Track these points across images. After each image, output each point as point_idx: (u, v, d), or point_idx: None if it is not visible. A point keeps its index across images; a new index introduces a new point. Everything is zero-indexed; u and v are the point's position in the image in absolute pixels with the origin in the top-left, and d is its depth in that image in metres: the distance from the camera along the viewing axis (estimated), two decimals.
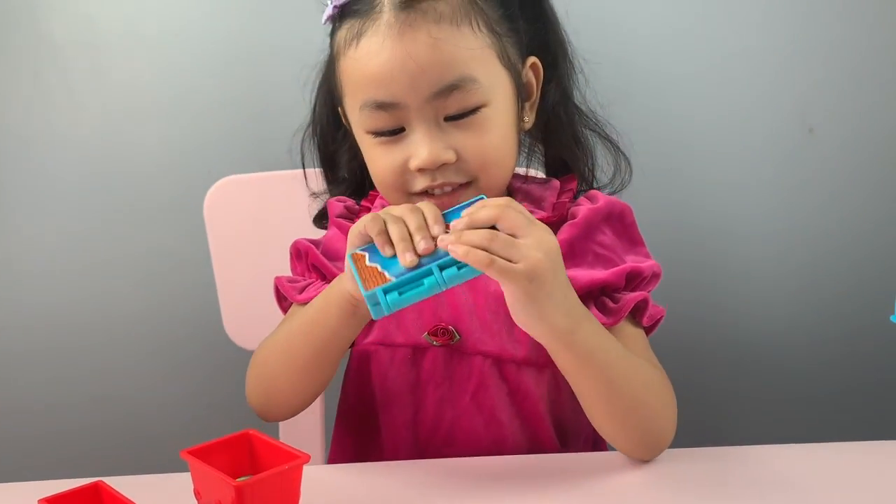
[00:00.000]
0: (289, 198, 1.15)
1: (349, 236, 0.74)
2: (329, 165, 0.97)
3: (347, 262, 0.72)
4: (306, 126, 0.96)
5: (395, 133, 0.81)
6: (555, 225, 0.85)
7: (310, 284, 0.88)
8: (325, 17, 0.85)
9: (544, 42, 0.89)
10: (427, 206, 0.72)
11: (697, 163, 1.18)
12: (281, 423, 1.14)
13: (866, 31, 1.13)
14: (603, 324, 0.79)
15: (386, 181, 0.83)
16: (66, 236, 1.29)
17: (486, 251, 0.66)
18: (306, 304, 0.84)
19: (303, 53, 1.17)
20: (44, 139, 1.27)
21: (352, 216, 0.92)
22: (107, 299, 1.30)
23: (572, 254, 0.83)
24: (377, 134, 0.82)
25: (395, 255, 0.70)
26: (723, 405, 1.22)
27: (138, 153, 1.26)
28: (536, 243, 0.69)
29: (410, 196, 0.83)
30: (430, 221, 0.71)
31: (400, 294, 0.68)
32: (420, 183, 0.81)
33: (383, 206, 0.90)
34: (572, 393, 0.88)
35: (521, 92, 0.86)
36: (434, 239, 0.69)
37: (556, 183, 0.90)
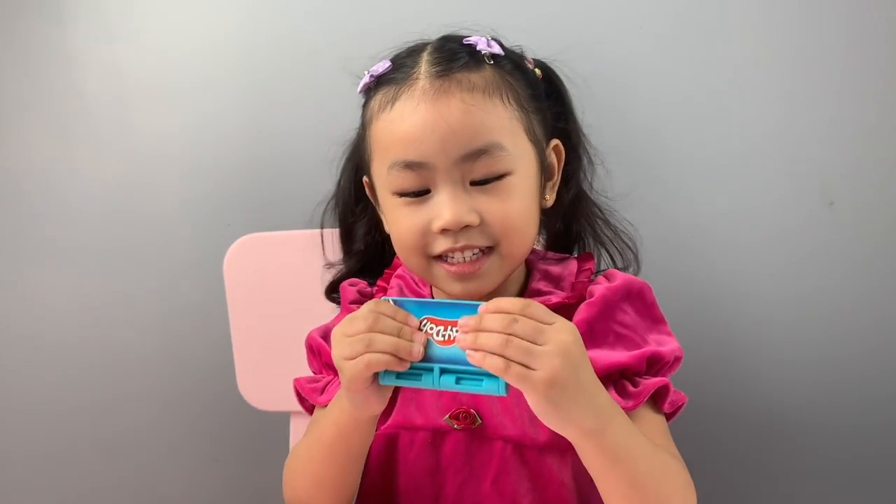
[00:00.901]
0: (309, 258, 1.14)
1: (333, 340, 0.74)
2: (347, 237, 0.99)
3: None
4: (329, 198, 0.98)
5: (420, 194, 0.82)
6: (573, 306, 0.85)
7: (329, 383, 0.88)
8: (361, 85, 0.87)
9: (565, 132, 0.91)
10: (386, 307, 0.73)
11: (713, 235, 1.16)
12: None
13: (890, 104, 1.11)
14: (622, 408, 0.78)
15: (408, 243, 0.83)
16: (84, 288, 1.29)
17: (502, 356, 0.66)
18: (328, 404, 0.85)
19: (326, 113, 1.20)
20: (68, 188, 1.27)
21: (365, 300, 0.92)
22: (120, 351, 1.29)
23: (592, 334, 0.82)
24: (403, 194, 0.82)
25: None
26: (733, 484, 1.20)
27: (159, 207, 1.26)
28: (555, 349, 0.67)
29: (430, 260, 0.83)
30: (400, 318, 0.72)
31: (397, 377, 0.71)
32: (442, 245, 0.81)
33: (399, 286, 0.92)
34: None
35: (544, 170, 0.87)
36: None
37: (574, 262, 0.91)
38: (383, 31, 1.14)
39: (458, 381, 0.69)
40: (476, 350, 0.67)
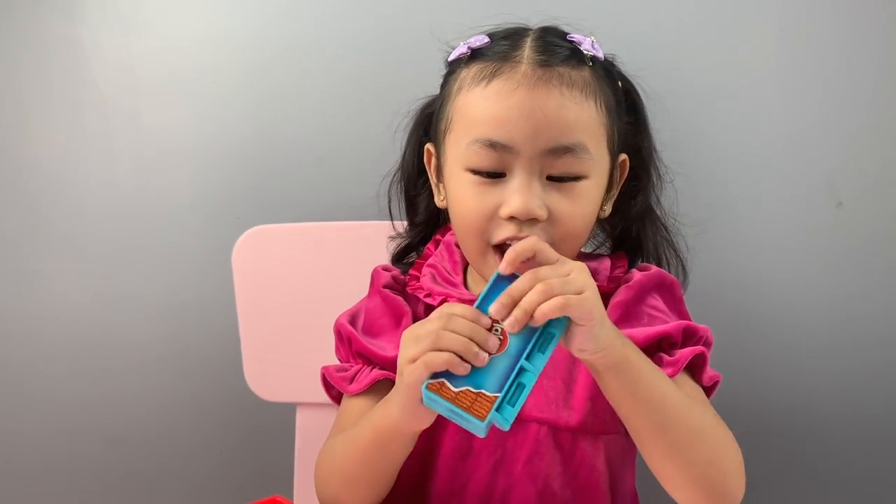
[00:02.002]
0: (319, 250, 1.15)
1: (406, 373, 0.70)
2: (411, 209, 0.98)
3: (427, 403, 0.68)
4: (394, 171, 0.98)
5: (494, 176, 0.81)
6: (609, 294, 0.86)
7: (359, 371, 0.87)
8: (455, 55, 0.87)
9: (637, 147, 0.91)
10: (458, 308, 0.71)
11: (722, 235, 1.17)
12: (296, 485, 1.14)
13: None
14: None
15: (472, 223, 0.82)
16: (93, 279, 1.27)
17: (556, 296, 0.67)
18: (358, 394, 0.84)
19: (337, 106, 1.21)
20: (78, 180, 1.26)
21: (398, 286, 0.93)
22: (128, 342, 1.27)
23: (627, 316, 0.84)
24: (477, 172, 0.82)
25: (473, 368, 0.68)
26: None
27: (169, 199, 1.25)
28: (578, 274, 0.70)
29: (486, 247, 0.83)
30: (471, 317, 0.69)
31: (512, 406, 0.67)
32: (505, 232, 0.81)
33: (431, 274, 0.91)
34: (629, 462, 0.88)
35: (610, 181, 0.88)
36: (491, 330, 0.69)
37: (608, 259, 0.92)
38: (397, 26, 1.19)
39: (542, 351, 0.68)
40: (530, 315, 0.67)
